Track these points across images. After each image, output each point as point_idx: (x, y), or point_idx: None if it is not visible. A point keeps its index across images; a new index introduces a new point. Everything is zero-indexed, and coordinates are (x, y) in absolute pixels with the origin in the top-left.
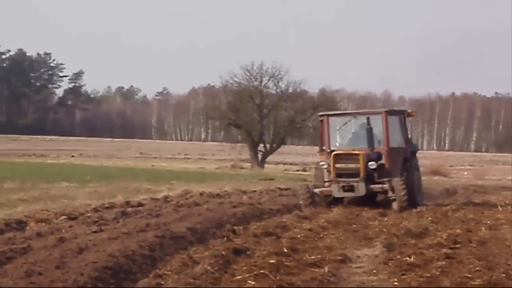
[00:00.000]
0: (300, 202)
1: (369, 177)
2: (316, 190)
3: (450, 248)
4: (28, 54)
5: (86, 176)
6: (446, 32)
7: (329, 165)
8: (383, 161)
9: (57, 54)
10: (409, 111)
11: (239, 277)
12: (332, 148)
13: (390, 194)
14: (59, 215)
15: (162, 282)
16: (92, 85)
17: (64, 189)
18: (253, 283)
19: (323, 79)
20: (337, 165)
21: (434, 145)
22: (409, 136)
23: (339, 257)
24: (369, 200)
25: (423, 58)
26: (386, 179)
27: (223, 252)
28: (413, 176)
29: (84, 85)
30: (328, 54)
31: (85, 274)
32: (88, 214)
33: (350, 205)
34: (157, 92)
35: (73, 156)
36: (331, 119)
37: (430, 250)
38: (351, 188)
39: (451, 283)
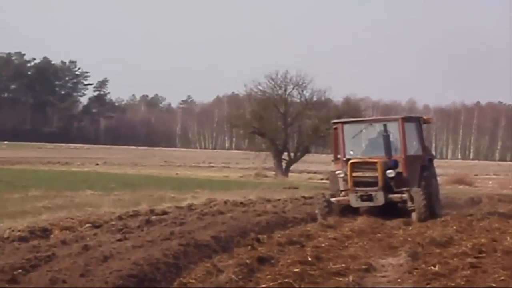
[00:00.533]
0: (316, 211)
1: (387, 186)
2: (333, 200)
3: (475, 258)
4: (53, 62)
5: (110, 184)
6: (472, 39)
7: (345, 174)
8: (400, 169)
9: (82, 63)
10: (425, 117)
11: (263, 285)
12: (348, 157)
13: (409, 204)
14: (83, 223)
15: None
16: (117, 93)
17: (88, 197)
18: None
19: (348, 87)
20: (354, 174)
21: (459, 154)
22: (425, 143)
23: (364, 266)
24: (386, 210)
25: (448, 66)
26: (404, 188)
27: (247, 261)
28: (432, 185)
29: (108, 93)
30: (353, 63)
31: (110, 282)
32: (113, 222)
33: (368, 214)
34: (182, 101)
35: (97, 164)
36: (346, 126)
37: (455, 259)
38: (369, 198)
39: None
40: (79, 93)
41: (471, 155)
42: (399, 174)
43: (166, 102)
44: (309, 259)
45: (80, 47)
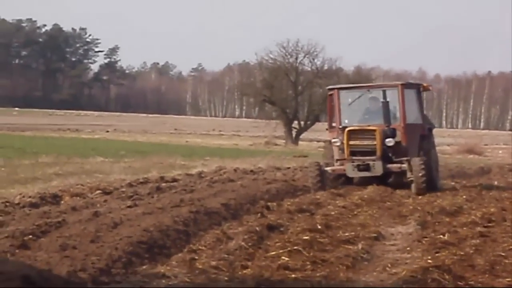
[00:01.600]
0: (309, 181)
1: (386, 156)
2: (328, 169)
3: (484, 227)
4: (64, 29)
5: (120, 151)
6: (484, 7)
7: (342, 142)
8: (398, 138)
9: (92, 29)
10: (425, 85)
11: (273, 253)
12: (344, 125)
13: (408, 175)
14: (94, 190)
15: (196, 257)
16: (128, 60)
17: (98, 164)
18: (286, 259)
19: (359, 57)
20: (351, 142)
21: (469, 124)
22: (424, 112)
23: (373, 234)
24: (382, 181)
25: (459, 33)
26: (404, 158)
27: (257, 228)
28: (431, 156)
29: (119, 60)
30: (365, 32)
31: (120, 248)
32: (123, 189)
33: (363, 186)
34: (192, 69)
35: (107, 131)
36: (342, 93)
37: (464, 228)
38: (366, 167)
39: (485, 262)
40: (89, 60)
41: (482, 125)
42: (397, 143)
43: (176, 70)
44: (319, 227)
45: (91, 14)
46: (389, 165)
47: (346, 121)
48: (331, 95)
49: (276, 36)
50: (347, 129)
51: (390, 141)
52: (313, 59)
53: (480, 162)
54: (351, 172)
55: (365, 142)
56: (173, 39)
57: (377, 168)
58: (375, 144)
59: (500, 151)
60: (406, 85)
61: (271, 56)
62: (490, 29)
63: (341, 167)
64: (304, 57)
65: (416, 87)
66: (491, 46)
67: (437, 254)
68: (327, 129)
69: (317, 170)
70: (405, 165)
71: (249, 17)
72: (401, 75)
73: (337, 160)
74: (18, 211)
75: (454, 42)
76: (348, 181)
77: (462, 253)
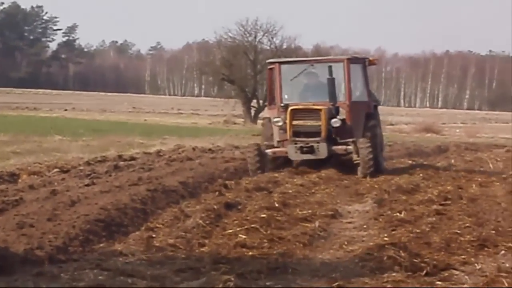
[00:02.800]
0: (248, 165)
1: (330, 137)
2: (268, 151)
3: (441, 205)
4: (22, 7)
5: (78, 129)
6: None
7: (284, 122)
8: (343, 116)
9: (50, 8)
10: (371, 58)
11: (230, 231)
12: (285, 102)
13: (354, 157)
14: (51, 168)
15: (154, 235)
16: (86, 39)
17: (56, 142)
18: (244, 237)
19: (317, 35)
20: (295, 122)
21: (427, 103)
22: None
23: (330, 212)
24: (325, 163)
25: (417, 13)
26: (350, 139)
27: (215, 206)
28: (377, 136)
29: (78, 38)
30: (324, 10)
31: (77, 226)
32: (81, 168)
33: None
34: (151, 47)
35: (66, 110)
36: (284, 67)
37: (421, 206)
38: (310, 150)
39: (441, 239)
40: (48, 39)
41: (440, 104)
42: (342, 123)
43: (135, 48)
44: (276, 205)
45: None
46: (334, 147)
47: (286, 96)
48: (271, 69)
49: (235, 14)
50: (290, 107)
51: (336, 122)
52: (272, 38)
53: (437, 141)
54: (293, 154)
55: (309, 122)
56: (131, 17)
57: (322, 151)
58: (319, 125)
59: (458, 130)
60: (352, 60)
61: (230, 34)
62: (448, 7)
63: (283, 149)
64: (263, 35)
65: (362, 61)
66: (449, 24)
67: (393, 232)
68: (266, 106)
69: (256, 152)
70: (350, 147)
71: None
72: (359, 54)
73: (278, 141)
74: None
75: (413, 20)
76: (289, 163)
77: (418, 230)
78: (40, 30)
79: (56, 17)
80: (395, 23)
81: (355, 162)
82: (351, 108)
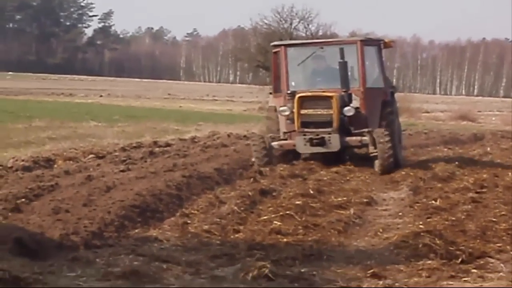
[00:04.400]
0: (253, 159)
1: (343, 127)
2: (275, 144)
3: (476, 193)
4: None
5: (114, 115)
6: None
7: (291, 111)
8: (356, 105)
9: None
10: (386, 40)
11: (265, 217)
12: (292, 89)
13: (371, 149)
14: (87, 154)
15: (189, 221)
16: (122, 25)
17: (92, 128)
18: (279, 223)
19: (353, 22)
20: (303, 111)
21: (463, 90)
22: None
23: (365, 200)
24: (338, 157)
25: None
26: (365, 129)
27: (250, 193)
28: (395, 126)
29: (113, 25)
30: None
31: (112, 212)
32: (116, 153)
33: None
34: (187, 33)
35: (101, 96)
36: (290, 51)
37: (456, 194)
38: (321, 142)
39: (476, 227)
40: (84, 25)
41: (475, 92)
42: (356, 111)
43: (171, 35)
44: (311, 192)
45: None
46: (348, 139)
47: (293, 83)
48: (276, 52)
49: (272, 1)
50: (298, 95)
51: (349, 110)
52: (308, 25)
53: (473, 129)
54: (302, 147)
55: (320, 111)
56: (168, 4)
57: (334, 143)
58: (331, 114)
59: (494, 118)
60: (366, 42)
61: (266, 21)
62: None
63: (290, 141)
64: (299, 22)
65: (376, 43)
66: (487, 12)
67: (428, 220)
68: (271, 93)
69: (262, 145)
70: (366, 138)
71: None
72: (395, 42)
73: (285, 132)
74: (11, 175)
75: (450, 8)
76: (297, 156)
77: (453, 218)
78: (76, 16)
79: (92, 3)
80: (430, 10)
81: (371, 155)
82: (366, 95)
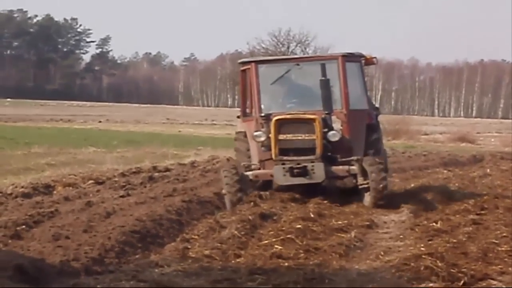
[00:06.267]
0: (224, 192)
1: (327, 155)
2: (249, 174)
3: (477, 214)
4: (55, 19)
5: (113, 141)
6: None
7: (267, 137)
8: (339, 128)
9: (84, 20)
10: (368, 56)
11: (266, 241)
12: (266, 112)
13: (360, 180)
14: (86, 180)
15: (189, 246)
16: (119, 51)
17: (91, 154)
18: (280, 247)
19: (350, 45)
20: (281, 137)
21: (462, 112)
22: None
23: (366, 223)
24: (320, 189)
25: (450, 22)
26: (353, 158)
27: (250, 217)
28: (383, 153)
29: (111, 50)
30: (357, 21)
31: (113, 238)
32: (115, 179)
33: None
34: (184, 58)
35: (100, 122)
36: (262, 68)
37: (457, 216)
38: (303, 172)
39: (477, 249)
40: (81, 51)
41: (474, 113)
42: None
43: (168, 60)
44: (312, 215)
45: (82, 4)
46: (334, 168)
47: (263, 106)
48: (244, 70)
49: (268, 25)
50: (274, 118)
51: (334, 135)
52: (305, 48)
53: (472, 150)
54: (281, 178)
55: (301, 136)
56: (164, 29)
57: (318, 172)
58: (314, 139)
59: (493, 139)
60: (348, 57)
61: (263, 45)
62: (482, 16)
63: (267, 171)
64: (296, 46)
65: (358, 59)
66: (483, 34)
67: (429, 242)
68: (239, 117)
69: (235, 177)
70: (354, 167)
71: (241, 5)
72: (393, 64)
73: (260, 161)
74: (10, 202)
75: (446, 30)
76: (267, 187)
77: (454, 240)
78: (73, 42)
79: (89, 29)
80: (427, 33)
81: (361, 187)
82: (349, 118)
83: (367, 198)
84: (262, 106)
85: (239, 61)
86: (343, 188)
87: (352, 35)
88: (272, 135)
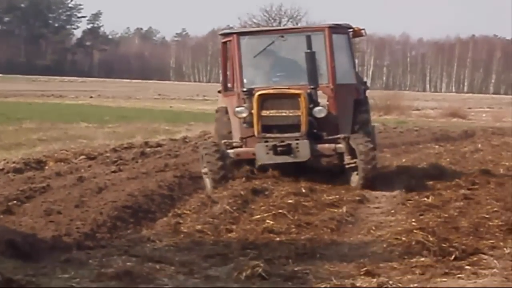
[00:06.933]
0: (205, 170)
1: (312, 132)
2: (230, 152)
3: (468, 189)
4: None
5: (104, 116)
6: None
7: (250, 113)
8: (325, 104)
9: None
10: (355, 28)
11: (258, 216)
12: (248, 87)
13: (347, 159)
14: (78, 155)
15: (181, 221)
16: (111, 26)
17: (82, 129)
18: (271, 222)
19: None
20: (265, 113)
21: (453, 88)
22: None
23: (357, 198)
24: (305, 168)
25: None
26: (341, 135)
27: (242, 192)
28: (372, 130)
29: (102, 26)
30: None
31: (104, 213)
32: (107, 154)
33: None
34: (176, 34)
35: (91, 97)
36: (244, 40)
37: (448, 191)
38: (287, 150)
39: (469, 224)
40: (72, 26)
41: (465, 89)
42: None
43: (160, 35)
44: (303, 190)
45: None
46: (320, 146)
47: (246, 80)
48: (225, 43)
49: (260, 1)
50: (257, 93)
51: (320, 111)
52: (297, 23)
53: (464, 126)
54: (264, 156)
55: (285, 112)
56: (156, 4)
57: (303, 151)
58: (299, 115)
59: (484, 115)
60: (335, 29)
61: (254, 20)
62: None
63: (249, 149)
64: (288, 21)
65: (346, 31)
66: (475, 8)
67: (421, 217)
68: (219, 92)
69: (217, 154)
70: (341, 145)
71: None
72: (384, 40)
73: (242, 138)
74: (2, 177)
75: (439, 5)
76: (254, 166)
77: (446, 215)
78: (64, 18)
79: (80, 5)
80: (419, 7)
81: (348, 166)
82: (336, 93)
83: (354, 179)
84: (245, 81)
85: (220, 32)
86: (329, 167)
87: (344, 11)
88: (254, 111)
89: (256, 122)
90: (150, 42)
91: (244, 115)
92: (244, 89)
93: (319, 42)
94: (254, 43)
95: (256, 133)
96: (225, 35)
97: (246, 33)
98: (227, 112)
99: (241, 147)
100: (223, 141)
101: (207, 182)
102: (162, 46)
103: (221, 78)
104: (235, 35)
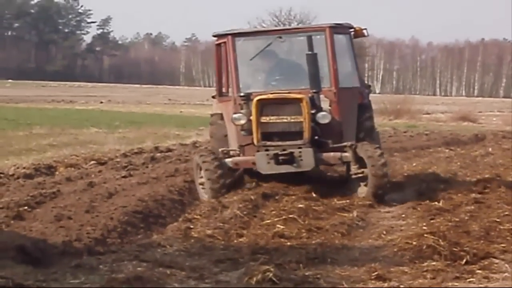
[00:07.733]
0: (201, 181)
1: (315, 139)
2: (228, 161)
3: (479, 193)
4: (55, 0)
5: (114, 122)
6: None
7: (248, 119)
8: (327, 109)
9: (84, 0)
10: (357, 28)
11: (268, 221)
12: (245, 91)
13: (353, 169)
14: (88, 160)
15: (192, 226)
16: (120, 31)
17: (93, 134)
18: (282, 227)
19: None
20: (264, 119)
21: (463, 91)
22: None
23: (368, 202)
24: (309, 178)
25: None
26: (348, 143)
27: (252, 197)
28: (375, 136)
29: (112, 31)
30: (357, 1)
31: (115, 218)
32: (117, 159)
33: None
34: (186, 39)
35: (101, 102)
36: (239, 42)
37: (459, 195)
38: (290, 159)
39: (480, 228)
40: (82, 31)
41: (476, 92)
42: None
43: (170, 40)
44: (314, 195)
45: None
46: (325, 155)
47: (242, 85)
48: (219, 45)
49: (269, 5)
50: (256, 98)
51: (324, 116)
52: None
53: (474, 129)
54: (265, 166)
55: (286, 119)
56: (166, 9)
57: (306, 159)
58: (301, 122)
59: (494, 118)
60: (336, 29)
61: (264, 25)
62: None
63: (249, 158)
64: (297, 25)
65: (347, 31)
66: (484, 13)
67: (432, 221)
68: (213, 97)
69: (216, 163)
70: (347, 154)
71: None
72: (394, 44)
73: (240, 146)
74: (12, 182)
75: (448, 9)
76: (262, 177)
77: (457, 219)
78: (74, 23)
79: (90, 10)
80: (428, 12)
81: (354, 176)
82: (340, 98)
83: (362, 190)
84: (241, 85)
85: (213, 33)
86: (333, 176)
87: (353, 15)
88: (253, 118)
89: (255, 130)
90: (160, 47)
91: (242, 122)
92: (241, 94)
93: (320, 43)
94: (250, 44)
95: (255, 141)
96: (219, 36)
97: (242, 34)
98: (222, 119)
99: (239, 155)
100: (220, 149)
101: (203, 193)
102: (172, 51)
103: (215, 83)
104: (229, 36)
